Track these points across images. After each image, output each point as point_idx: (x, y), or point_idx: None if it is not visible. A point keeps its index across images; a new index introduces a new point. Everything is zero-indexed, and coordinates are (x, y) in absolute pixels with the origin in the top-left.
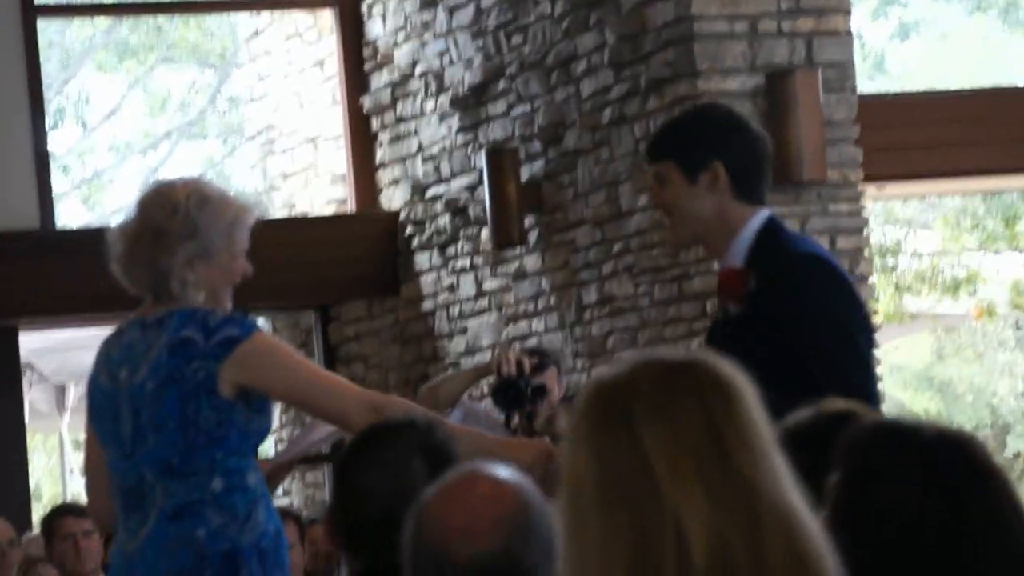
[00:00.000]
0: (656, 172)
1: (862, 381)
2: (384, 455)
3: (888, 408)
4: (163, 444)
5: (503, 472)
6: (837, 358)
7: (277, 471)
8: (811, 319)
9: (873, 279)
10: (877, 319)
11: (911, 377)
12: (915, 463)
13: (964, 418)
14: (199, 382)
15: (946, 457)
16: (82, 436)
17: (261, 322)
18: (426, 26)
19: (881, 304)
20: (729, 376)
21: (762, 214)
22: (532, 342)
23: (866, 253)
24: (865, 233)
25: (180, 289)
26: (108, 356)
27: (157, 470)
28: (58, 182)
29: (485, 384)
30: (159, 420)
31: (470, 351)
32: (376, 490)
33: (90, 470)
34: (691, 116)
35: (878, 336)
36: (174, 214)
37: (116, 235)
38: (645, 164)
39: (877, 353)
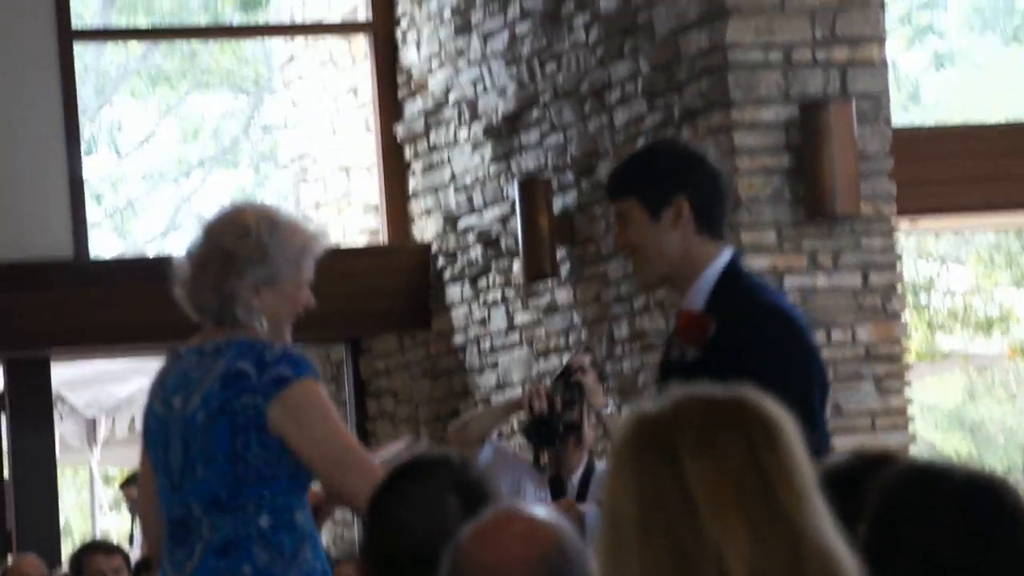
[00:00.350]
0: (618, 211)
1: (810, 436)
2: (419, 491)
3: (919, 449)
4: (212, 477)
5: (539, 511)
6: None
7: (326, 505)
8: (768, 372)
9: (905, 316)
10: (909, 358)
11: (942, 417)
12: (945, 506)
13: (996, 460)
14: (249, 418)
15: (976, 501)
16: (112, 471)
17: None
18: (460, 53)
19: (913, 342)
20: (774, 415)
21: (726, 253)
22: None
23: (899, 289)
24: (898, 269)
25: (245, 315)
26: (163, 383)
27: (205, 503)
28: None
29: (516, 420)
30: (209, 452)
31: (501, 386)
32: (410, 526)
33: (145, 499)
34: (650, 152)
35: (910, 375)
36: (244, 237)
37: (183, 259)
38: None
39: (908, 392)
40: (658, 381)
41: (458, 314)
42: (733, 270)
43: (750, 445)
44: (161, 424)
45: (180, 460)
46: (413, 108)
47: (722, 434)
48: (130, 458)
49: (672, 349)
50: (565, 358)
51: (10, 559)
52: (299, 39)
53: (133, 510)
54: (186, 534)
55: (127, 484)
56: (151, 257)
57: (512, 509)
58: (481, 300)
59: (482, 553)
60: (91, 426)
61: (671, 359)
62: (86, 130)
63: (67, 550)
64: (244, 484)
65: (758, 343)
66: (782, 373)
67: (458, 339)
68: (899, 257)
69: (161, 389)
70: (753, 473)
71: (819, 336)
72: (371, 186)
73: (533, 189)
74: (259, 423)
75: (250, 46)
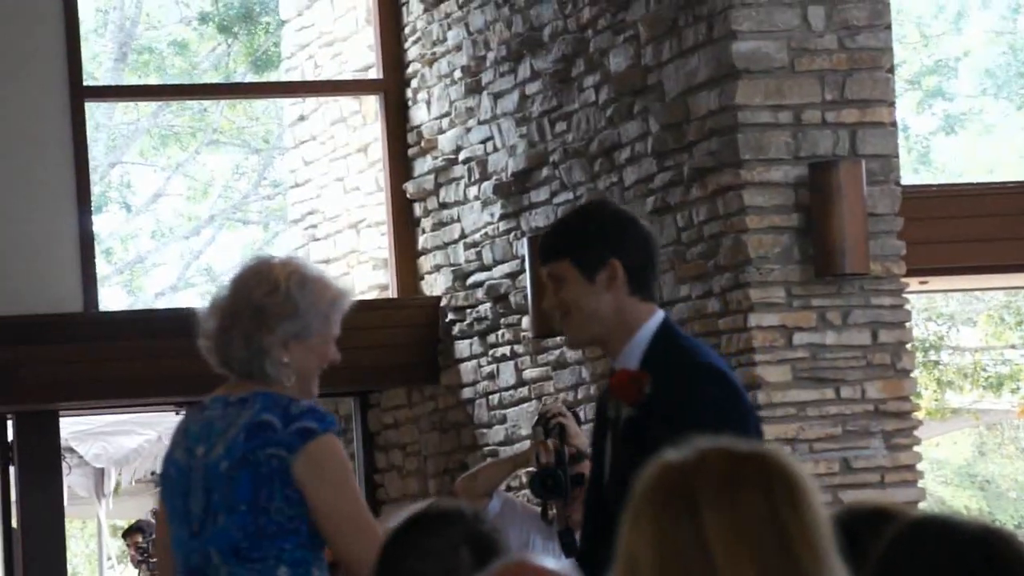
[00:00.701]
0: (551, 273)
1: None
2: (431, 543)
3: (928, 505)
4: (233, 526)
5: (549, 562)
6: None
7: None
8: (704, 429)
9: (915, 374)
10: (918, 414)
11: (952, 474)
12: (950, 558)
13: (1006, 516)
14: (273, 469)
15: (981, 553)
16: (120, 522)
17: None
18: (470, 112)
19: (923, 400)
20: (797, 472)
21: (658, 315)
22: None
23: (908, 347)
24: (907, 327)
25: (274, 369)
26: (187, 432)
27: (225, 552)
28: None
29: (523, 474)
30: (231, 502)
31: (509, 440)
32: None
33: (161, 547)
34: (584, 214)
35: (920, 431)
36: (274, 292)
37: (208, 311)
38: (686, 252)
39: (918, 448)
40: (594, 442)
41: (467, 368)
42: (666, 331)
43: (771, 500)
44: (182, 472)
45: (201, 508)
46: (423, 166)
47: (743, 488)
48: (137, 510)
49: (608, 408)
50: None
51: None
52: (310, 99)
53: (136, 560)
54: None
55: (129, 533)
56: (160, 310)
57: (521, 560)
58: (490, 355)
59: None
60: (100, 477)
61: (608, 418)
62: (96, 187)
63: None
64: (265, 536)
65: (693, 401)
66: (716, 430)
67: (467, 393)
68: (908, 315)
69: (184, 438)
70: (772, 529)
71: (828, 393)
72: (381, 242)
73: None
74: (284, 476)
75: (261, 105)
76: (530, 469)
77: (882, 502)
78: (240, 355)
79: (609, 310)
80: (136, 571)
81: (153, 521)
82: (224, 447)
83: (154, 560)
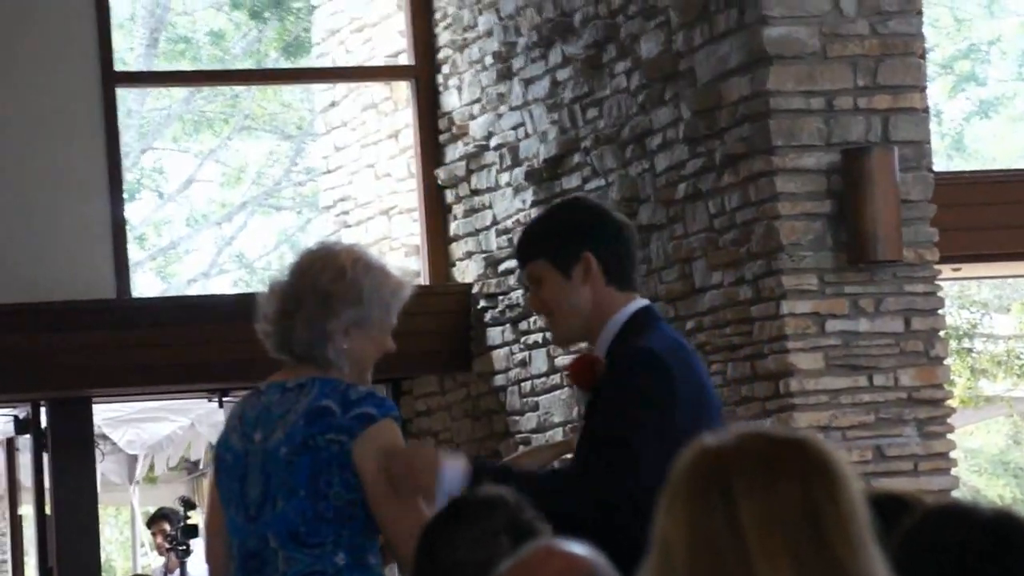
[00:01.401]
0: (529, 274)
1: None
2: (471, 531)
3: (961, 494)
4: (292, 511)
5: (577, 547)
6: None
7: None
8: (625, 414)
9: (948, 362)
10: (952, 402)
11: (985, 462)
12: (964, 544)
13: None
14: (332, 455)
15: (995, 538)
16: (152, 508)
17: None
18: (502, 98)
19: (956, 388)
20: (835, 460)
21: (634, 304)
22: None
23: (941, 335)
24: (940, 314)
25: (335, 355)
26: (243, 416)
27: (283, 537)
28: (133, 252)
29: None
30: (290, 487)
31: (541, 428)
32: (461, 564)
33: (211, 531)
34: (553, 212)
35: (953, 419)
36: (341, 278)
37: (268, 295)
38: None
39: (951, 437)
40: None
41: (499, 355)
42: (640, 319)
43: (807, 489)
44: (238, 457)
45: (259, 492)
46: (454, 153)
47: (779, 475)
48: (170, 497)
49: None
50: None
51: None
52: (341, 85)
53: (163, 548)
54: (261, 566)
55: (155, 521)
56: (193, 296)
57: (551, 545)
58: (522, 343)
59: None
60: (132, 463)
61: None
62: (129, 174)
63: None
64: (323, 521)
65: (621, 386)
66: (640, 416)
67: (499, 380)
68: (941, 303)
69: (240, 423)
70: (807, 518)
71: (861, 380)
72: (412, 229)
73: None
74: (343, 461)
75: (293, 91)
76: (570, 456)
77: (897, 489)
78: (302, 339)
79: (587, 303)
80: (163, 559)
81: (179, 509)
82: (283, 432)
83: (182, 548)
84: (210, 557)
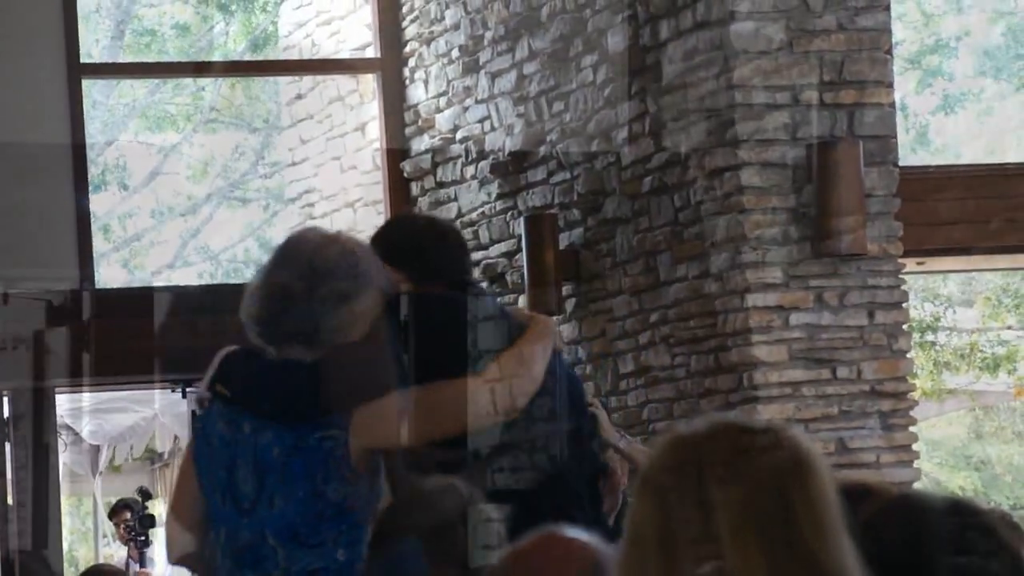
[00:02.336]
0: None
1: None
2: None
3: (924, 486)
4: (291, 512)
5: (577, 534)
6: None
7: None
8: None
9: (911, 355)
10: (915, 395)
11: (947, 455)
12: (920, 532)
13: (1002, 497)
14: (327, 450)
15: (950, 525)
16: (114, 499)
17: None
18: (468, 91)
19: (919, 381)
20: (806, 449)
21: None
22: None
23: (905, 328)
24: (904, 308)
25: (328, 336)
26: (228, 383)
27: (282, 536)
28: (98, 243)
29: None
30: (289, 487)
31: None
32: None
33: (182, 513)
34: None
35: (915, 412)
36: (332, 265)
37: (257, 284)
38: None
39: (914, 429)
40: None
41: None
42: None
43: (778, 477)
44: (225, 443)
45: (253, 488)
46: (420, 145)
47: (751, 463)
48: (132, 487)
49: None
50: None
51: None
52: (307, 77)
53: (124, 538)
54: (258, 561)
55: (116, 512)
56: (157, 287)
57: (552, 533)
58: None
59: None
60: (95, 454)
61: None
62: (94, 166)
63: None
64: (324, 519)
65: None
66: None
67: None
68: (905, 296)
69: (226, 407)
70: (777, 504)
71: (824, 373)
72: (378, 221)
73: (539, 225)
74: (338, 455)
75: (259, 83)
76: None
77: (863, 479)
78: (292, 327)
79: None
80: (125, 549)
81: (139, 499)
82: (274, 431)
83: (142, 538)
84: (170, 539)
